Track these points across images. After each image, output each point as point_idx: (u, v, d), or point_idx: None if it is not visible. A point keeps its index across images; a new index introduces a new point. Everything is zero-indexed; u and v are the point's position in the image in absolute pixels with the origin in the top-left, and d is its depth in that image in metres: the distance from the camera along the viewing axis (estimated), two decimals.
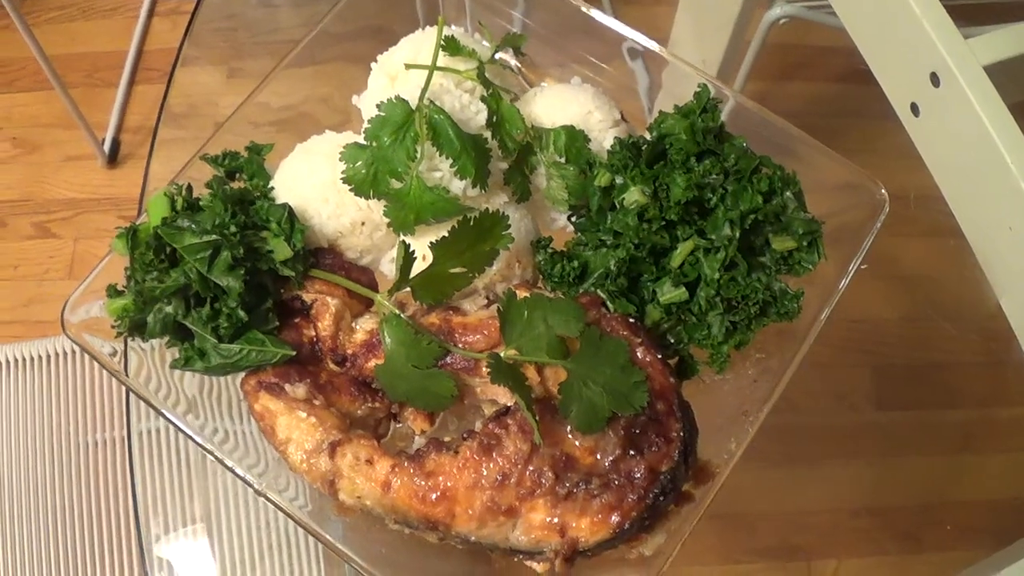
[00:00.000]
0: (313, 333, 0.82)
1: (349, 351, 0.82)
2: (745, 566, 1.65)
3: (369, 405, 0.80)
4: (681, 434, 0.74)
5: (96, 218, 2.22)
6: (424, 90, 0.83)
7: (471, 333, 0.79)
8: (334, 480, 0.75)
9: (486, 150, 0.85)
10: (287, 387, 0.78)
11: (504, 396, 0.77)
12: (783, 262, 0.84)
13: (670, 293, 0.82)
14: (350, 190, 0.83)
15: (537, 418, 0.71)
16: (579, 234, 0.88)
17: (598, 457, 0.73)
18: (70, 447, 1.36)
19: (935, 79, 0.86)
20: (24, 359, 1.41)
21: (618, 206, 0.85)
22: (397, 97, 0.83)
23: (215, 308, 0.77)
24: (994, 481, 1.57)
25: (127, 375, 0.83)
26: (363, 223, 0.87)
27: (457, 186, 0.84)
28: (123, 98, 2.35)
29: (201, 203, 0.82)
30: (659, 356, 0.77)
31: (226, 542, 1.17)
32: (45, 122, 2.34)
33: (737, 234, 0.81)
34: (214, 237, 0.77)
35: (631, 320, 0.80)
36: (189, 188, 0.84)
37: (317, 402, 0.78)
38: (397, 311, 0.80)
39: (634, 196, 0.83)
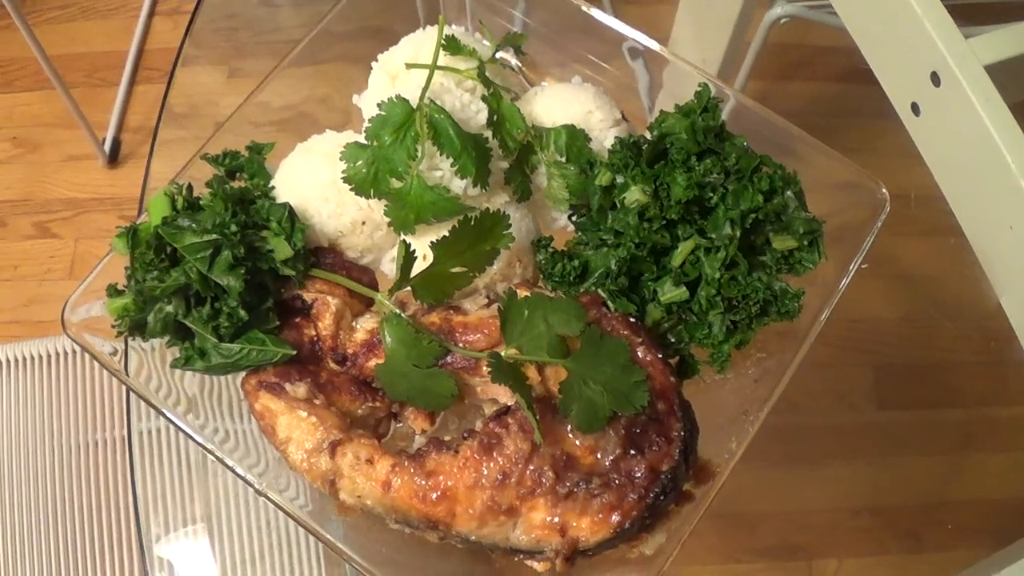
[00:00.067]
0: (313, 332, 0.82)
1: (350, 350, 0.82)
2: (746, 565, 1.65)
3: (369, 404, 0.80)
4: (682, 433, 0.74)
5: (97, 218, 2.22)
6: (425, 89, 0.83)
7: (472, 332, 0.79)
8: (334, 479, 0.75)
9: (487, 149, 0.85)
10: (287, 386, 0.78)
11: (505, 395, 0.77)
12: (784, 261, 0.84)
13: (671, 292, 0.82)
14: (351, 189, 0.83)
15: (537, 417, 0.71)
16: (580, 233, 0.88)
17: (599, 456, 0.73)
18: (70, 447, 1.36)
19: (936, 79, 0.86)
20: (24, 359, 1.41)
21: (619, 205, 0.85)
22: (398, 96, 0.83)
23: (215, 307, 0.77)
24: (994, 481, 1.57)
25: (127, 375, 0.83)
26: (364, 222, 0.87)
27: (458, 185, 0.84)
28: (124, 98, 2.35)
29: (202, 202, 0.82)
30: (660, 355, 0.77)
31: (226, 542, 1.17)
32: (46, 122, 2.34)
33: (738, 233, 0.81)
34: (214, 236, 0.77)
35: (632, 319, 0.80)
36: (190, 187, 0.84)
37: (318, 401, 0.78)
38: (398, 310, 0.80)
39: (635, 195, 0.83)
